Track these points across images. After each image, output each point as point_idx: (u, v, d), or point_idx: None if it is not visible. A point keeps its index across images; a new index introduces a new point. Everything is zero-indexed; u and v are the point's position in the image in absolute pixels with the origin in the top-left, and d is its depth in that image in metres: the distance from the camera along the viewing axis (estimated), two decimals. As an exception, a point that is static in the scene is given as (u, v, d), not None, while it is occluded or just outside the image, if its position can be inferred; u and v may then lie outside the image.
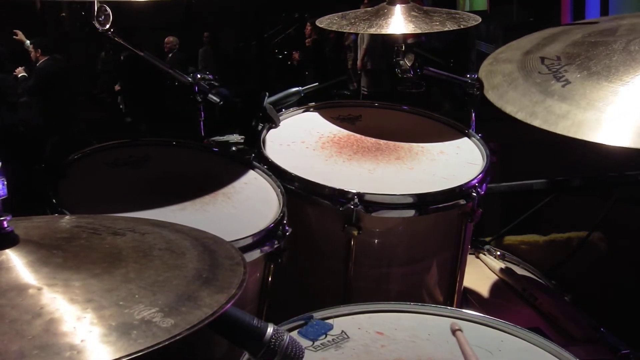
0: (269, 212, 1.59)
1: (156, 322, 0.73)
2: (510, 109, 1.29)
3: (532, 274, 2.30)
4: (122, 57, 7.78)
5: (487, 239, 2.51)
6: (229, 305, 0.79)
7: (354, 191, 1.64)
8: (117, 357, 0.67)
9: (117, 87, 8.00)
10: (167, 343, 0.70)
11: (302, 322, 1.29)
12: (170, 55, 8.44)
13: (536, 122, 1.22)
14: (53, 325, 0.71)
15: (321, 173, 1.75)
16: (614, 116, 1.15)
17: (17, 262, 0.80)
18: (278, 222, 1.54)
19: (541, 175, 2.65)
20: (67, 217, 1.21)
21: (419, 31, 1.94)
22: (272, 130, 1.98)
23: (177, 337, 0.71)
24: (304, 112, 2.13)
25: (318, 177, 1.71)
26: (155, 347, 0.69)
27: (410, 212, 1.68)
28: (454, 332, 1.29)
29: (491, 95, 1.38)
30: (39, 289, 0.76)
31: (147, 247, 0.92)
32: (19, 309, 0.73)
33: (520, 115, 1.26)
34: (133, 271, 0.84)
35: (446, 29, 1.92)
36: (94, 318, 0.73)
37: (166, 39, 8.47)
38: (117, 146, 1.78)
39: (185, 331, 0.72)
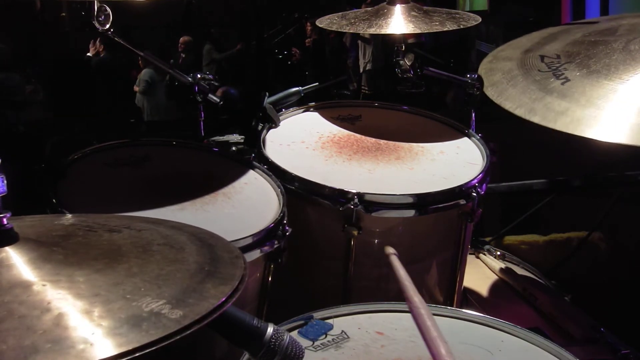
0: (269, 212, 1.59)
1: (165, 314, 0.73)
2: (509, 105, 1.29)
3: (532, 274, 2.30)
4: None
5: (487, 239, 2.51)
6: (235, 297, 0.80)
7: (354, 191, 1.63)
8: (130, 348, 0.68)
9: (135, 88, 7.97)
10: (178, 334, 0.71)
11: (302, 322, 1.29)
12: (184, 55, 8.42)
13: (535, 119, 1.22)
14: (63, 319, 0.72)
15: (321, 173, 1.75)
16: (612, 113, 1.15)
17: (17, 259, 0.80)
18: (278, 222, 1.54)
19: (541, 175, 2.65)
20: (60, 215, 1.21)
21: (418, 31, 1.94)
22: (272, 130, 1.98)
23: (188, 328, 0.72)
24: (304, 112, 2.14)
25: (318, 177, 1.71)
26: (168, 338, 0.70)
27: (410, 212, 1.68)
28: (388, 255, 1.31)
29: (490, 92, 1.38)
30: (44, 285, 0.77)
31: (145, 243, 0.93)
32: (27, 305, 0.73)
33: (519, 112, 1.26)
34: (135, 266, 0.84)
35: (446, 29, 1.92)
36: (102, 311, 0.73)
37: (181, 39, 8.43)
38: (117, 146, 1.78)
39: (195, 322, 0.73)
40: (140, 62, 7.80)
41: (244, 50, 9.06)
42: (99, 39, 7.41)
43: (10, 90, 6.35)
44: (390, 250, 1.34)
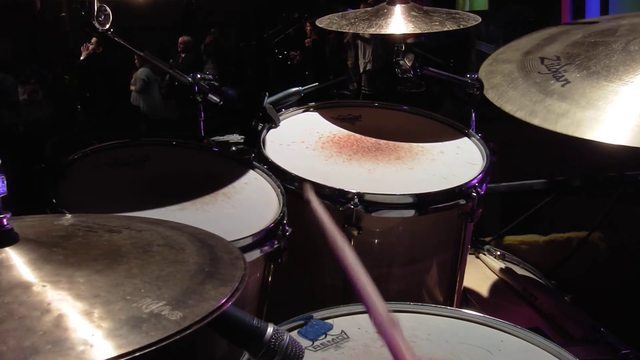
0: (269, 212, 1.59)
1: (165, 315, 0.74)
2: (510, 108, 1.29)
3: (532, 274, 2.30)
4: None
5: (487, 239, 2.51)
6: (235, 297, 0.80)
7: (354, 191, 1.63)
8: (130, 349, 0.68)
9: (131, 87, 7.96)
10: (178, 335, 0.71)
11: (302, 322, 1.29)
12: (184, 55, 8.40)
13: (535, 121, 1.22)
14: (63, 320, 0.72)
15: (321, 173, 1.75)
16: (613, 115, 1.15)
17: (17, 260, 0.80)
18: (278, 222, 1.54)
19: (541, 175, 2.65)
20: (60, 215, 1.21)
21: (418, 31, 1.94)
22: (272, 130, 1.98)
23: (188, 329, 0.72)
24: (304, 112, 2.13)
25: (318, 177, 1.71)
26: (168, 339, 0.70)
27: (410, 212, 1.68)
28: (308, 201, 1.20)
29: (491, 94, 1.38)
30: (44, 286, 0.77)
31: (145, 244, 0.93)
32: (27, 306, 0.73)
33: (519, 114, 1.26)
34: (135, 267, 0.85)
35: (446, 29, 1.92)
36: (102, 313, 0.73)
37: (181, 39, 8.39)
38: (117, 146, 1.78)
39: (195, 323, 0.73)
40: (136, 61, 7.80)
41: (219, 43, 9.05)
42: (93, 40, 7.40)
43: (7, 91, 6.38)
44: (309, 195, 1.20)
